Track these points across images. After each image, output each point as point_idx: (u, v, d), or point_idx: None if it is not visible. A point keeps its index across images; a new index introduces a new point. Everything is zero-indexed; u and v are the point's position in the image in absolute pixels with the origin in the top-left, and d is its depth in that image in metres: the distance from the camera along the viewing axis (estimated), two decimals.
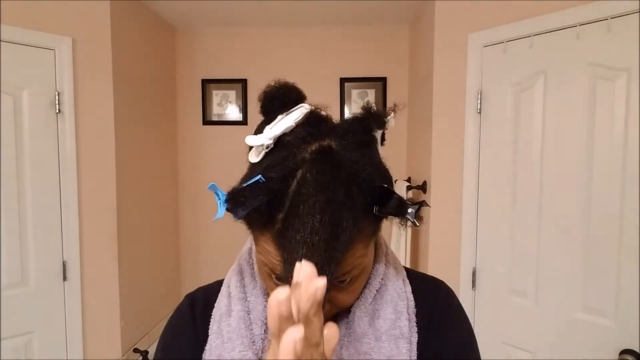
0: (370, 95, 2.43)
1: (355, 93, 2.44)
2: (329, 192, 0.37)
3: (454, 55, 1.68)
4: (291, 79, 0.49)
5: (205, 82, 2.50)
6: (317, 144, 0.40)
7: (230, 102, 2.51)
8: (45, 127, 1.66)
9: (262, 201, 0.39)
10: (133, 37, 2.01)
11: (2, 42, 1.54)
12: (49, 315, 1.71)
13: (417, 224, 0.44)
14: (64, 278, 1.73)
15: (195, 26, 2.48)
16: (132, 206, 2.01)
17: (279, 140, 0.44)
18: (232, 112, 2.51)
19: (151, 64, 2.21)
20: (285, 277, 0.39)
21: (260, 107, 0.47)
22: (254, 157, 0.45)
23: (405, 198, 0.45)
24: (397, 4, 2.08)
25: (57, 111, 1.68)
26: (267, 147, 0.44)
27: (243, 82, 2.48)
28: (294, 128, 0.43)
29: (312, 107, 0.46)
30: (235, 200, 0.39)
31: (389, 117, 0.48)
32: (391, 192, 0.43)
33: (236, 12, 2.23)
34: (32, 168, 1.63)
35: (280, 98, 0.46)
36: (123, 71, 1.91)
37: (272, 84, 0.47)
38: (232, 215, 0.41)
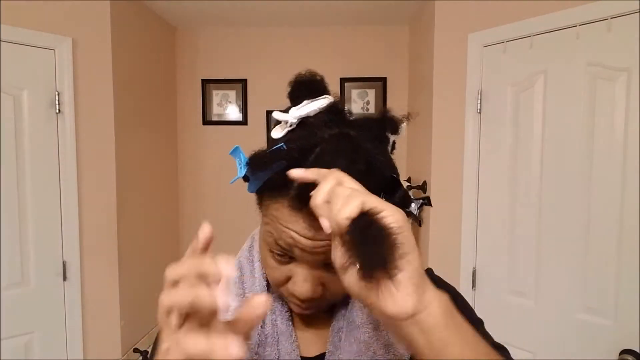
0: (370, 95, 2.43)
1: (355, 93, 2.44)
2: (342, 165, 0.40)
3: (454, 55, 1.68)
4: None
5: (205, 82, 2.50)
6: (337, 129, 0.44)
7: (230, 102, 2.51)
8: (45, 127, 1.66)
9: (281, 165, 0.42)
10: (133, 37, 2.01)
11: (2, 42, 1.54)
12: (49, 315, 1.71)
13: (420, 222, 0.46)
14: (64, 278, 1.73)
15: (195, 26, 2.47)
16: (132, 206, 2.00)
17: (302, 122, 0.47)
18: (232, 112, 2.51)
19: (151, 64, 2.21)
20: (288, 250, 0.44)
21: (289, 91, 0.50)
22: (277, 133, 0.48)
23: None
24: (397, 4, 2.08)
25: (57, 111, 1.68)
26: (290, 125, 0.47)
27: (243, 82, 2.48)
28: (317, 113, 0.47)
29: (336, 99, 0.49)
30: (257, 162, 0.42)
31: (402, 124, 0.52)
32: (400, 184, 0.47)
33: (236, 12, 2.23)
34: (32, 168, 1.63)
35: (308, 85, 0.49)
36: (123, 71, 1.90)
37: (303, 72, 0.51)
38: (247, 186, 0.45)
